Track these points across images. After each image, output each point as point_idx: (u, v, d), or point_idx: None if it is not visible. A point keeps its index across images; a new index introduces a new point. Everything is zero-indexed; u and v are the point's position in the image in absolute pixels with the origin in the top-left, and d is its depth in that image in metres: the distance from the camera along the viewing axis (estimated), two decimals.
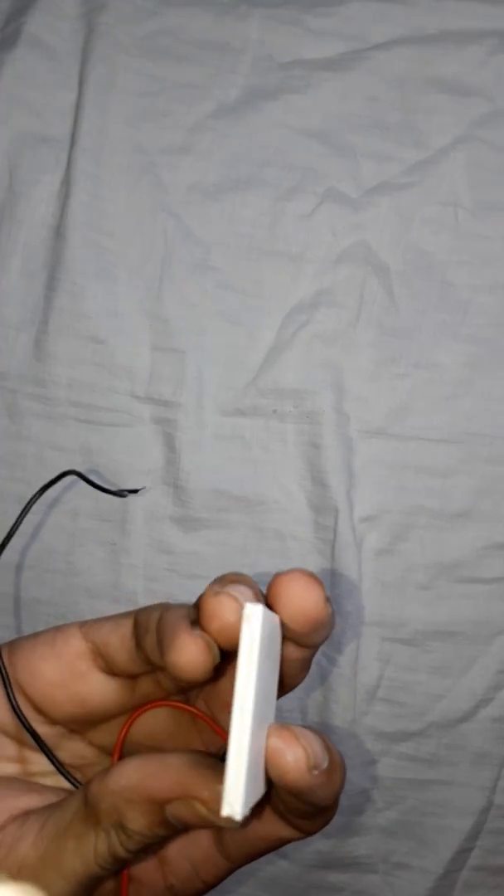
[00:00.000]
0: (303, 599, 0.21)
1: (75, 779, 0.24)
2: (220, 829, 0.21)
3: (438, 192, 0.44)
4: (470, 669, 0.43)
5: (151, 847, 0.21)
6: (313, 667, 0.43)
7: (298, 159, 0.45)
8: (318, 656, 0.43)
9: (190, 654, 0.21)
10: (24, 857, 0.20)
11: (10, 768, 0.24)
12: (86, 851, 0.20)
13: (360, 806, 0.43)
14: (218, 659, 0.21)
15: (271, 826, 0.22)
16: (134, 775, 0.20)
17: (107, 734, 0.25)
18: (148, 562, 0.44)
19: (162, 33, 0.46)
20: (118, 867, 0.21)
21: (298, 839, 0.23)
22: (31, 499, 0.28)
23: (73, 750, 0.25)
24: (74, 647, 0.24)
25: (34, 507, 0.44)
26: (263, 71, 0.46)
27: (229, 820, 0.18)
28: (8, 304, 0.44)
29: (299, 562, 0.43)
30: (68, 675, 0.24)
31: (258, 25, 0.46)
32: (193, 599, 0.44)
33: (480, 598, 0.43)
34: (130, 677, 0.24)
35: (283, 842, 0.23)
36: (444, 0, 0.46)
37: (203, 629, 0.21)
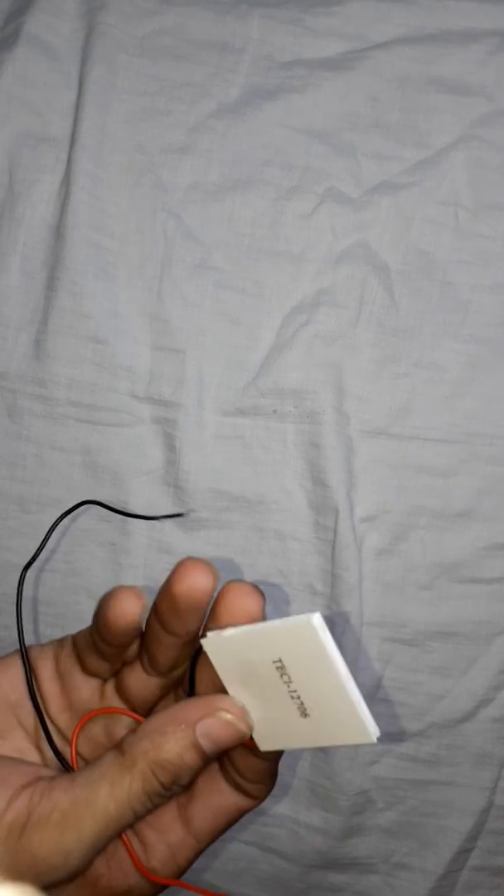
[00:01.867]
0: (243, 608, 0.25)
1: (62, 757, 0.27)
2: (240, 744, 0.25)
3: (439, 191, 0.44)
4: (470, 670, 0.43)
5: (179, 785, 0.24)
6: None
7: (299, 159, 0.45)
8: None
9: (122, 603, 0.25)
10: (56, 802, 0.23)
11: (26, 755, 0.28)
12: (120, 793, 0.23)
13: (361, 806, 0.43)
14: (147, 611, 0.25)
15: (227, 797, 0.26)
16: (165, 713, 0.24)
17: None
18: (148, 562, 0.44)
19: (162, 33, 0.46)
20: (147, 810, 0.24)
21: (251, 808, 0.26)
22: (52, 525, 0.31)
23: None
24: (67, 650, 0.28)
25: (34, 508, 0.44)
26: (264, 70, 0.46)
27: (368, 742, 0.23)
28: (8, 304, 0.44)
29: (299, 562, 0.43)
30: (62, 670, 0.28)
31: (258, 25, 0.46)
32: None
33: (481, 599, 0.43)
34: (100, 678, 0.28)
35: (240, 811, 0.26)
36: (444, 0, 0.46)
37: (173, 587, 0.25)
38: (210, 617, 0.26)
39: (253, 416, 0.44)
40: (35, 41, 0.45)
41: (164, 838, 0.26)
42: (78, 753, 0.28)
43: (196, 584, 0.24)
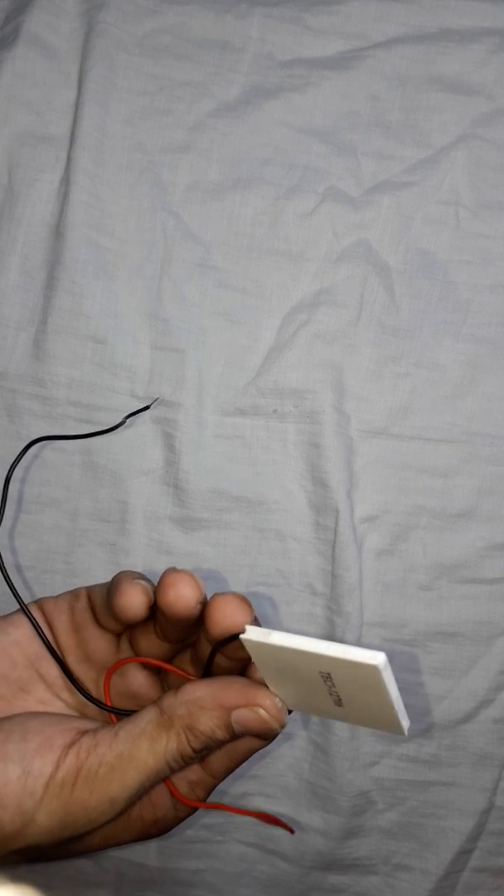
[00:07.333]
0: (233, 618, 0.27)
1: (94, 697, 0.30)
2: (267, 736, 0.27)
3: (439, 190, 0.44)
4: (471, 670, 0.43)
5: (208, 750, 0.27)
6: None
7: (299, 158, 0.45)
8: None
9: (129, 596, 0.27)
10: (102, 756, 0.26)
11: (55, 705, 0.30)
12: (158, 749, 0.26)
13: (361, 808, 0.43)
14: (152, 602, 0.28)
15: (240, 741, 0.28)
16: (206, 688, 0.26)
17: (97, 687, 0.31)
18: (148, 562, 0.44)
19: (162, 32, 0.46)
20: (179, 766, 0.26)
21: (261, 748, 0.29)
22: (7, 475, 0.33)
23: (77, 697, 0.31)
24: (82, 603, 0.30)
25: (34, 508, 0.44)
26: (264, 70, 0.45)
27: (401, 732, 0.25)
28: (7, 304, 0.44)
29: (299, 562, 0.43)
30: (78, 623, 0.30)
31: (258, 24, 0.46)
32: None
33: (481, 599, 0.43)
34: (114, 633, 0.30)
35: (251, 751, 0.29)
36: None
37: (157, 600, 0.27)
38: (203, 628, 0.27)
39: (253, 416, 0.44)
40: (35, 40, 0.45)
41: (185, 776, 0.29)
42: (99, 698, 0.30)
43: (179, 597, 0.27)
